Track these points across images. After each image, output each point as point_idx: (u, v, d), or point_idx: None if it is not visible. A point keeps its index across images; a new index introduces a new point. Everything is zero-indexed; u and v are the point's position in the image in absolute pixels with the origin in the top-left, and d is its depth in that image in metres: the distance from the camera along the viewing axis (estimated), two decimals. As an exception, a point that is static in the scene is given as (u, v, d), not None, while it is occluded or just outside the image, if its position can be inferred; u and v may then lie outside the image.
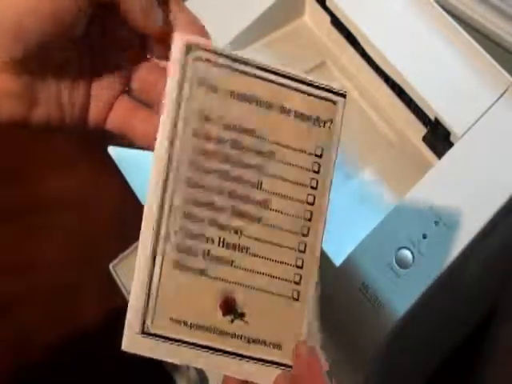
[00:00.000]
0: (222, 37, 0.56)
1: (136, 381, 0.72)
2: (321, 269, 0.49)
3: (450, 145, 0.50)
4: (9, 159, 0.88)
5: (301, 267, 0.34)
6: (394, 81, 0.52)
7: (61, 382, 0.77)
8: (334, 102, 0.34)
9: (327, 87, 0.34)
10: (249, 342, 0.34)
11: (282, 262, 0.34)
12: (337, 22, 0.56)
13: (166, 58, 0.33)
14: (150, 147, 0.33)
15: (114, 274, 0.74)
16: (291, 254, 0.34)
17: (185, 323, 0.33)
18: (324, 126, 0.34)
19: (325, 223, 0.34)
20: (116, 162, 0.46)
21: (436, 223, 0.47)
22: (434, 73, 0.51)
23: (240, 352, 0.33)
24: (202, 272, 0.33)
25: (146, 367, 0.72)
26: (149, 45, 0.34)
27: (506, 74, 0.50)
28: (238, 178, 0.33)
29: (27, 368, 0.76)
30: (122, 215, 0.81)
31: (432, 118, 0.51)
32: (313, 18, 0.59)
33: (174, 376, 0.71)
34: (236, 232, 0.33)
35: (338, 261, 0.48)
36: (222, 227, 0.33)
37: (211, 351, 0.33)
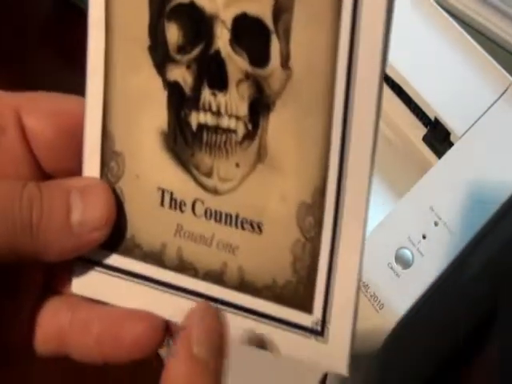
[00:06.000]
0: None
1: (136, 379, 0.72)
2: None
3: (450, 145, 0.50)
4: None
5: None
6: (394, 81, 0.52)
7: (60, 381, 0.77)
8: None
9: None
10: None
11: None
12: (337, 22, 0.56)
13: None
14: None
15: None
16: None
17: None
18: None
19: None
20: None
21: (436, 223, 0.47)
22: (433, 72, 0.51)
23: None
24: None
25: (146, 365, 0.72)
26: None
27: (506, 74, 0.50)
28: None
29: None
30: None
31: (432, 117, 0.51)
32: (313, 18, 0.59)
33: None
34: None
35: (337, 261, 0.48)
36: None
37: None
